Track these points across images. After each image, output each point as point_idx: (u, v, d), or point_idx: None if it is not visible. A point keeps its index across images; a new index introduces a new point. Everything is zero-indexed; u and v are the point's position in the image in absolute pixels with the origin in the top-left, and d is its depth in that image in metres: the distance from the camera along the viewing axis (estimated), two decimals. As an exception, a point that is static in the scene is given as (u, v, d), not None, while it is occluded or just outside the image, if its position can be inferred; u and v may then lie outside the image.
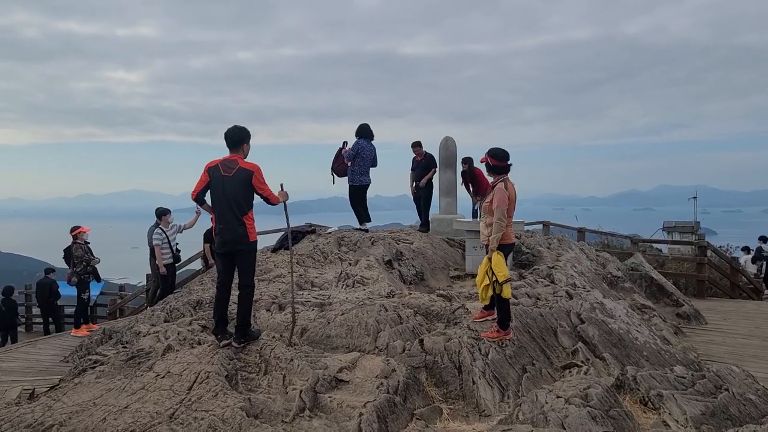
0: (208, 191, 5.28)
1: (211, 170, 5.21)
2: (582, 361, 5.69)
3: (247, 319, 5.33)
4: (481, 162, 5.77)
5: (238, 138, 5.30)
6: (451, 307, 6.55)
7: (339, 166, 10.19)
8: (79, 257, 9.74)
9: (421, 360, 5.41)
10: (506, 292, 5.36)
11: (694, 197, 47.39)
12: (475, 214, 12.03)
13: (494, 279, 5.32)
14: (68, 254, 10.02)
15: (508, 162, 5.60)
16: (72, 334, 9.66)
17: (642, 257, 10.71)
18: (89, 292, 9.99)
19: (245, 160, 5.31)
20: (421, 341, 5.66)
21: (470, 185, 12.23)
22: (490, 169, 5.62)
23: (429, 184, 10.95)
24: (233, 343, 5.26)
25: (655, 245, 16.19)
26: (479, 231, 9.71)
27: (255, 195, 5.25)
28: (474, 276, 9.63)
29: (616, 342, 6.32)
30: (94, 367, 6.25)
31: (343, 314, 6.35)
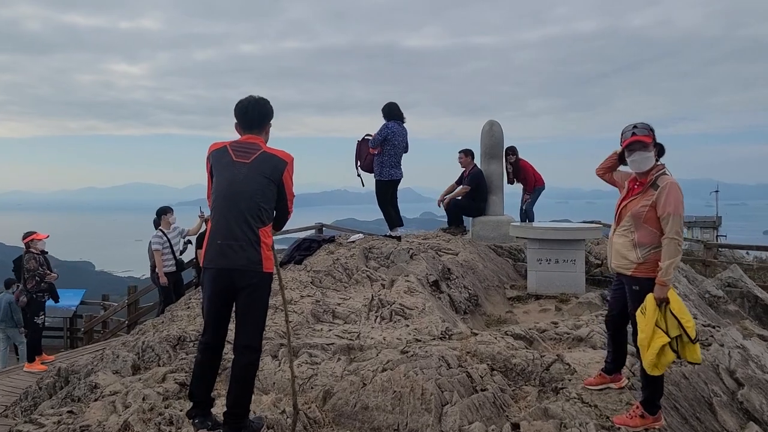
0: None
1: (216, 154, 3.16)
2: (768, 459, 3.65)
3: (244, 402, 3.28)
4: (623, 146, 3.62)
5: (259, 114, 3.27)
6: (542, 359, 4.49)
7: (366, 163, 7.98)
8: (31, 270, 7.61)
9: (523, 464, 3.38)
10: (695, 354, 3.21)
11: (716, 191, 45.55)
12: (524, 216, 9.96)
13: (678, 334, 3.14)
14: (18, 266, 7.96)
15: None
16: (24, 369, 7.64)
17: (740, 270, 8.62)
18: (44, 315, 7.92)
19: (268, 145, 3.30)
20: (516, 428, 3.62)
21: (516, 180, 10.18)
22: (659, 151, 3.59)
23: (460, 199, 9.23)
24: (220, 440, 3.24)
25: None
26: (544, 237, 7.57)
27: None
28: (538, 297, 7.53)
29: (791, 414, 4.27)
30: (23, 448, 4.33)
31: (384, 371, 4.32)
